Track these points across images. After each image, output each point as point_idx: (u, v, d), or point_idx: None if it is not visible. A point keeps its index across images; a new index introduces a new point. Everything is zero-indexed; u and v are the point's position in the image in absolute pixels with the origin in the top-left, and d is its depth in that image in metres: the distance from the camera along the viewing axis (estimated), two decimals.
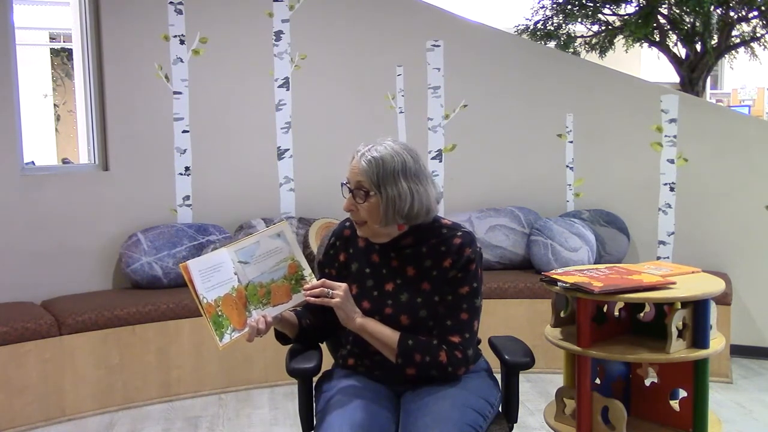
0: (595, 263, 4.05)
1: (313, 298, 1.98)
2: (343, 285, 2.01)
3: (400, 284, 2.08)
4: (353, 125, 4.51)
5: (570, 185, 4.66)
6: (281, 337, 2.17)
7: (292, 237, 2.09)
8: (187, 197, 4.36)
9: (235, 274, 1.98)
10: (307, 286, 2.02)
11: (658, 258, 4.49)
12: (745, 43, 8.93)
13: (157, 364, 3.77)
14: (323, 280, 2.02)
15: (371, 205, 1.99)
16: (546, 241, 4.21)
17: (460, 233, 2.08)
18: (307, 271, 2.07)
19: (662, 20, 8.73)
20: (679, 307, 2.35)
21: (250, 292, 1.99)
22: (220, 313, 1.93)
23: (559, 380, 2.75)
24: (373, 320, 2.04)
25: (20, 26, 6.16)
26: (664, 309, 2.48)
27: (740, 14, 8.51)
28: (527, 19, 9.33)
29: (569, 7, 8.87)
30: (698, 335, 2.36)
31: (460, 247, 2.05)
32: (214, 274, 1.95)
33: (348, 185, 2.03)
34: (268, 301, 2.02)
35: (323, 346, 2.27)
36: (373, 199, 1.99)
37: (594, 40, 9.40)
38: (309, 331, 2.16)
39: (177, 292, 3.91)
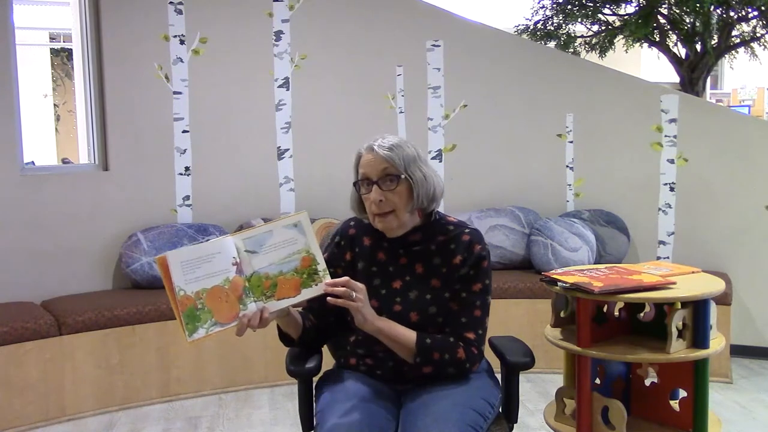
0: (595, 263, 4.06)
1: (333, 298, 1.90)
2: (363, 286, 1.96)
3: (408, 281, 2.08)
4: (353, 125, 4.51)
5: (570, 185, 4.66)
6: (284, 338, 2.14)
7: (309, 229, 1.95)
8: (187, 197, 4.36)
9: (235, 264, 1.90)
10: (329, 281, 1.92)
11: (658, 258, 4.49)
12: (745, 43, 8.93)
13: (157, 364, 3.77)
14: (347, 278, 1.93)
15: (403, 189, 2.01)
16: (546, 241, 4.21)
17: (468, 230, 2.09)
18: (322, 266, 1.94)
19: (662, 20, 8.73)
20: (679, 307, 2.36)
21: (253, 283, 1.91)
22: (199, 306, 1.85)
23: (559, 380, 2.75)
24: (388, 321, 2.02)
25: (20, 26, 6.16)
26: (664, 309, 2.48)
27: (740, 14, 8.51)
28: (527, 19, 9.34)
29: (569, 7, 8.88)
30: (698, 335, 2.37)
31: (469, 244, 2.06)
32: (202, 265, 1.87)
33: (366, 180, 2.02)
34: (272, 293, 1.92)
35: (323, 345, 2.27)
36: (403, 183, 2.01)
37: (594, 40, 9.41)
38: (311, 332, 2.12)
39: None
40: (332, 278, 2.00)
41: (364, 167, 2.03)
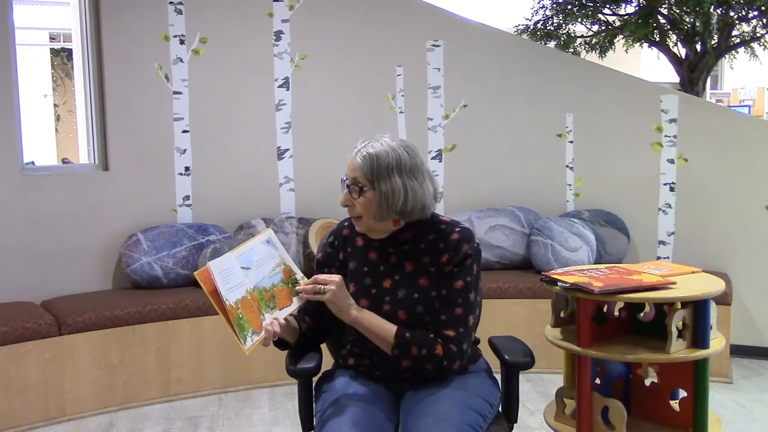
0: (595, 263, 4.05)
1: (308, 296, 2.00)
2: (336, 277, 2.01)
3: (398, 280, 2.08)
4: (353, 125, 4.51)
5: (570, 185, 4.66)
6: (280, 344, 2.15)
7: (278, 243, 2.10)
8: (187, 197, 4.36)
9: (245, 278, 1.97)
10: (300, 286, 2.03)
11: (658, 258, 4.49)
12: (745, 43, 8.94)
13: (157, 364, 3.76)
14: (315, 276, 2.03)
15: (366, 200, 2.02)
16: (546, 241, 4.21)
17: (458, 229, 2.08)
18: (299, 274, 2.08)
19: (662, 20, 8.73)
20: (679, 307, 2.35)
21: (257, 296, 1.98)
22: (240, 316, 1.90)
23: (559, 380, 2.75)
24: (368, 312, 2.04)
25: (20, 26, 6.16)
26: (664, 309, 2.48)
27: (740, 14, 8.51)
28: (527, 19, 9.35)
29: (569, 7, 8.88)
30: (698, 335, 2.36)
31: (457, 242, 2.05)
32: (230, 277, 1.93)
33: (346, 181, 2.05)
34: (274, 305, 2.00)
35: (323, 346, 2.27)
36: (368, 194, 2.01)
37: (594, 40, 9.42)
38: (308, 334, 2.15)
39: (177, 292, 3.91)
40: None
41: (346, 169, 2.06)
